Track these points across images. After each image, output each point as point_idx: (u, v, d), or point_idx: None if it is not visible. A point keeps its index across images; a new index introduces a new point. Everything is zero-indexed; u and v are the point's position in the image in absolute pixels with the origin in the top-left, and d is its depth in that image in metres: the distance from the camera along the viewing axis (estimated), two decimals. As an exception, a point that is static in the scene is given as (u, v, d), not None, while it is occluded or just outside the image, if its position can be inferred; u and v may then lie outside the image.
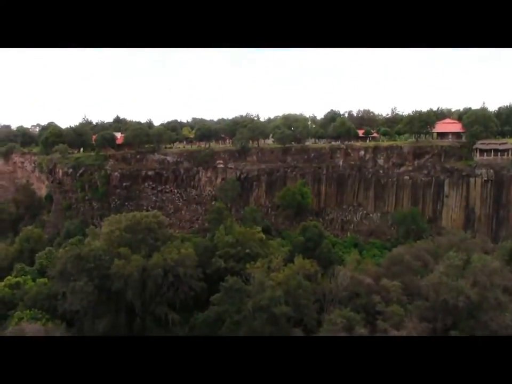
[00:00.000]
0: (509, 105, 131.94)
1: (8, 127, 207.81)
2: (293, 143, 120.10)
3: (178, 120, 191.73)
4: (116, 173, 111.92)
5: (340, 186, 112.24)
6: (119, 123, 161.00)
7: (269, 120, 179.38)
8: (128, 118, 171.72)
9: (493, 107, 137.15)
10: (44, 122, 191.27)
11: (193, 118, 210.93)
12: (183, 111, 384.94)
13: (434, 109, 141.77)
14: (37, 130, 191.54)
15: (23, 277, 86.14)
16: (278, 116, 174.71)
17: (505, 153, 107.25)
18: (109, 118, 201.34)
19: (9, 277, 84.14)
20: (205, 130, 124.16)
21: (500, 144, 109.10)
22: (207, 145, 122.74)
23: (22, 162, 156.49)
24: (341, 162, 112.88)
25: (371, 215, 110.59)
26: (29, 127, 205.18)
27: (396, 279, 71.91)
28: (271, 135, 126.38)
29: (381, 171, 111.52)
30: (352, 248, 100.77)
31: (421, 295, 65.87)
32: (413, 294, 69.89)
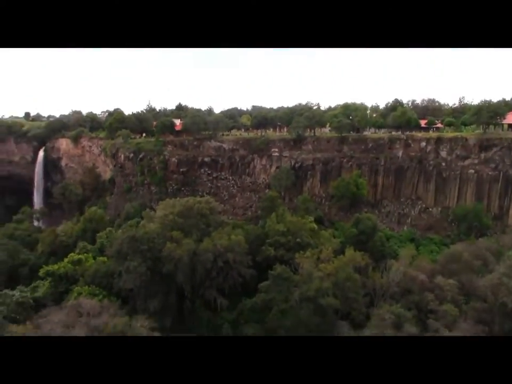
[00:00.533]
0: None
1: (79, 113, 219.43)
2: (351, 132, 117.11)
3: (238, 108, 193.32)
4: (174, 159, 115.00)
5: (398, 178, 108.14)
6: (180, 110, 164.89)
7: (329, 109, 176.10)
8: (190, 106, 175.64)
9: None
10: (112, 109, 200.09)
11: (253, 106, 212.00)
12: (245, 99, 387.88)
13: (507, 99, 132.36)
14: (105, 116, 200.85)
15: (85, 254, 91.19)
16: (339, 105, 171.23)
17: None
18: (172, 106, 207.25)
19: (72, 254, 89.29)
20: (261, 118, 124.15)
21: None
22: (263, 133, 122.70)
23: (90, 146, 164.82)
24: (400, 154, 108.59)
25: (430, 209, 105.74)
26: (99, 113, 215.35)
27: (452, 278, 68.57)
28: (328, 124, 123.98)
29: (443, 163, 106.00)
30: (408, 243, 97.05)
31: (478, 296, 62.30)
32: (469, 294, 66.36)
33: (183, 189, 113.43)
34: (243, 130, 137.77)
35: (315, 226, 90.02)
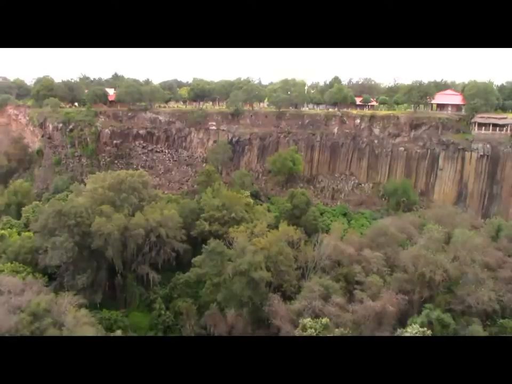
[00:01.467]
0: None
1: (5, 78, 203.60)
2: (290, 108, 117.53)
3: (178, 80, 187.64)
4: (107, 130, 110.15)
5: (333, 154, 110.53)
6: (116, 80, 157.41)
7: (270, 84, 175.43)
8: (127, 76, 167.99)
9: (499, 81, 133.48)
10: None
11: (194, 78, 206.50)
12: (187, 71, 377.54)
13: (438, 80, 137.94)
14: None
15: (8, 230, 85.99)
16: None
17: (504, 128, 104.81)
18: (108, 75, 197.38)
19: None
20: (198, 91, 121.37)
21: (500, 118, 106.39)
22: (200, 106, 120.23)
23: (16, 115, 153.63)
24: (335, 130, 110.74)
25: (363, 184, 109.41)
26: (30, 80, 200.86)
27: (379, 250, 71.52)
28: (266, 99, 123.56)
29: (376, 141, 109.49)
30: (341, 217, 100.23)
31: (401, 267, 65.57)
32: (394, 265, 69.67)
33: (116, 162, 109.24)
34: (181, 102, 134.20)
35: (251, 201, 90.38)
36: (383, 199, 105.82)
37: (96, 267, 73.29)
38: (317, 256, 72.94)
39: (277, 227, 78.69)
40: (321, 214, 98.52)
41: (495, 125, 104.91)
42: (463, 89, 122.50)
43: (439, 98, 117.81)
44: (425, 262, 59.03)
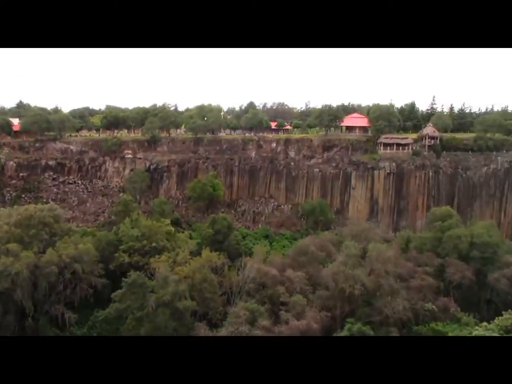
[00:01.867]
0: (412, 102, 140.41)
1: None
2: (207, 134, 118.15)
3: (90, 108, 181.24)
4: (11, 162, 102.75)
5: (252, 178, 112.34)
6: (21, 109, 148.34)
7: (187, 110, 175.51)
8: (33, 104, 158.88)
9: (399, 103, 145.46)
10: None
11: (106, 105, 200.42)
12: (99, 98, 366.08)
13: (345, 103, 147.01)
14: None
15: None
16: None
17: (406, 147, 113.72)
18: (11, 104, 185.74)
19: None
20: (112, 118, 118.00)
21: (402, 138, 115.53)
22: (115, 134, 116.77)
23: None
24: (253, 154, 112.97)
25: (282, 206, 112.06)
26: None
27: (301, 270, 73.11)
28: (183, 125, 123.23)
29: (292, 163, 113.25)
30: (263, 240, 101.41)
31: (323, 285, 67.52)
32: (316, 283, 71.54)
33: (23, 196, 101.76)
34: (94, 131, 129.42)
35: (172, 229, 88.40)
36: (302, 219, 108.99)
37: (2, 312, 66.95)
38: (242, 280, 72.88)
39: (199, 254, 77.57)
40: (244, 237, 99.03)
41: (398, 145, 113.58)
42: (368, 112, 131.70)
43: (348, 121, 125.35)
44: (344, 277, 61.33)
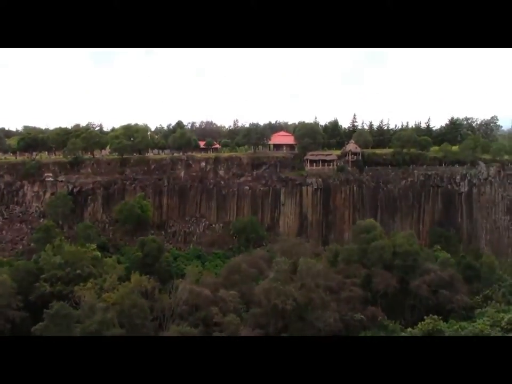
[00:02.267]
0: (335, 120, 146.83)
1: None
2: (135, 154, 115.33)
3: (6, 129, 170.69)
4: None
5: (182, 198, 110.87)
6: None
7: (113, 130, 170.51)
8: None
9: (323, 121, 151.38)
10: None
11: (24, 126, 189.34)
12: (14, 118, 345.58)
13: (273, 121, 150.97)
14: None
15: None
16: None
17: (331, 164, 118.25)
18: None
19: None
20: (30, 140, 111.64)
21: (326, 155, 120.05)
22: (34, 156, 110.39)
23: None
24: (182, 174, 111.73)
25: (213, 225, 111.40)
26: None
27: (233, 289, 72.71)
28: (108, 146, 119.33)
29: (222, 182, 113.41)
30: (195, 260, 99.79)
31: (256, 302, 67.51)
32: (249, 302, 71.44)
33: None
34: (10, 154, 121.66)
35: (98, 254, 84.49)
36: (234, 237, 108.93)
37: None
38: (174, 303, 70.90)
39: (128, 279, 74.60)
40: (175, 259, 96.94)
41: (323, 161, 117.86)
42: (294, 130, 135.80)
43: (275, 139, 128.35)
44: (276, 293, 61.79)
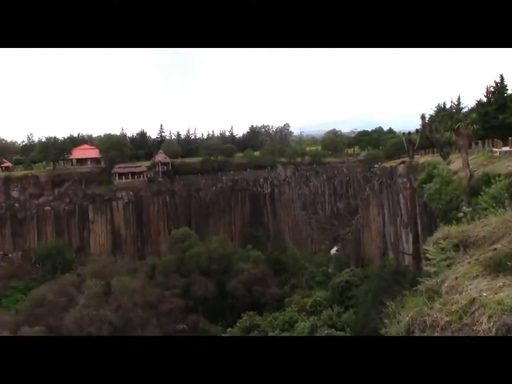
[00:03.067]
0: (142, 131, 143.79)
1: None
2: None
3: None
4: None
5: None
6: None
7: None
8: None
9: (130, 132, 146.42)
10: None
11: None
12: None
13: (75, 134, 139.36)
14: None
15: None
16: None
17: (141, 175, 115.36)
18: None
19: None
20: None
21: (135, 167, 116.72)
22: None
23: None
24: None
25: (10, 255, 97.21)
26: None
27: (39, 323, 64.13)
28: None
29: (17, 204, 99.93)
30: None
31: (66, 334, 60.74)
32: (59, 335, 63.98)
33: None
34: None
35: None
36: (38, 265, 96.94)
37: None
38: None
39: None
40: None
41: (133, 173, 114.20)
42: (99, 143, 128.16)
43: (78, 153, 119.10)
44: (89, 321, 56.63)
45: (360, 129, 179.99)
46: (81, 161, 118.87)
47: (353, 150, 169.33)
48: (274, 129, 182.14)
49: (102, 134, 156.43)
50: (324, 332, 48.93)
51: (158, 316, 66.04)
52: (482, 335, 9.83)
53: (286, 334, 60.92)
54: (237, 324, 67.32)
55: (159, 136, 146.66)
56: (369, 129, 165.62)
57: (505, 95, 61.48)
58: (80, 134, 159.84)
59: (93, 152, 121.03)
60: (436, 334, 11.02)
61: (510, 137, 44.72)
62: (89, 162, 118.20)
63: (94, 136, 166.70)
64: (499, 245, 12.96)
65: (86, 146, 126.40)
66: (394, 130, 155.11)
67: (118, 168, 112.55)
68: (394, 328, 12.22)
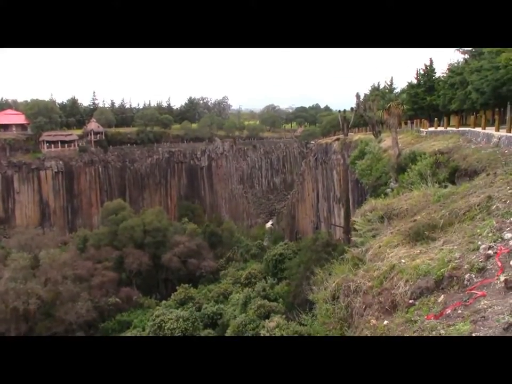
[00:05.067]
0: (73, 98, 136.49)
1: None
2: None
3: None
4: None
5: None
6: None
7: None
8: None
9: (60, 99, 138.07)
10: None
11: None
12: None
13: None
14: None
15: None
16: None
17: (72, 144, 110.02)
18: None
19: None
20: None
21: (66, 135, 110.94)
22: None
23: None
24: None
25: None
26: None
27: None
28: None
29: None
30: None
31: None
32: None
33: None
34: None
35: None
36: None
37: None
38: None
39: None
40: None
41: (63, 142, 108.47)
42: (25, 108, 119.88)
43: (1, 118, 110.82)
44: (15, 294, 54.33)
45: (298, 106, 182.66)
46: (5, 127, 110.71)
47: (291, 126, 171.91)
48: (212, 102, 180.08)
49: (29, 99, 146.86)
50: (257, 302, 50.46)
51: (89, 289, 64.66)
52: (399, 298, 10.70)
53: (220, 305, 62.16)
54: (172, 297, 67.61)
55: (91, 103, 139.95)
56: (307, 106, 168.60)
57: (433, 78, 65.18)
58: (4, 98, 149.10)
59: (18, 118, 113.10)
60: (359, 299, 11.90)
61: (435, 118, 47.60)
62: (14, 128, 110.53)
63: (19, 101, 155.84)
64: (419, 217, 14.10)
65: (10, 111, 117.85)
66: (331, 108, 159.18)
67: (46, 136, 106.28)
68: (321, 294, 13.07)
